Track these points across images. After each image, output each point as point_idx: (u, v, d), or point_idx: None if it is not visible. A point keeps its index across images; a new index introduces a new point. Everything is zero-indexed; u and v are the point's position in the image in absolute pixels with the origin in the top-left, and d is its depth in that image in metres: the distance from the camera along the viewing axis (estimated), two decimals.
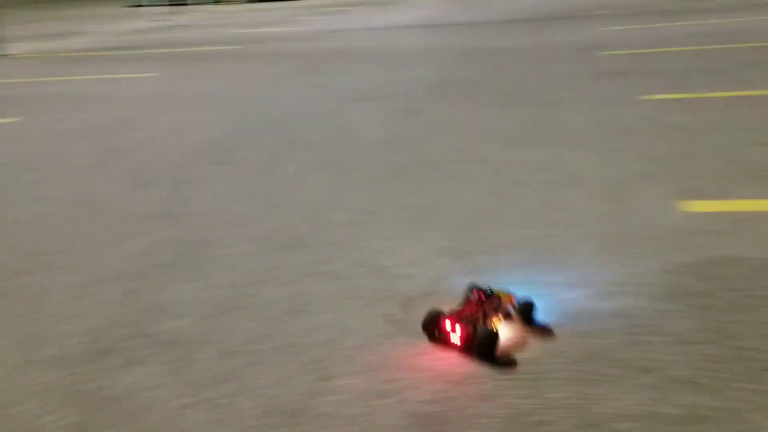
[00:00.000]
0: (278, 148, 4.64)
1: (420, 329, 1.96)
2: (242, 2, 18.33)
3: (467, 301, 1.99)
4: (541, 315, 2.03)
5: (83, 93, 7.28)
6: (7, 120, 6.10)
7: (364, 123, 5.22)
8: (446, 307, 1.96)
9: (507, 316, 1.95)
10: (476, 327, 1.84)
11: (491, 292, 2.00)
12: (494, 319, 1.90)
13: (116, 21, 15.63)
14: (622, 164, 3.73)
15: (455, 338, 1.85)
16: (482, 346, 1.80)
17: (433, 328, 1.93)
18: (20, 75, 8.91)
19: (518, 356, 1.84)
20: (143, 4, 17.72)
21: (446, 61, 7.92)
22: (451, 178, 3.74)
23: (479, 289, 2.00)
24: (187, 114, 5.93)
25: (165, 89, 7.17)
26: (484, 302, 1.95)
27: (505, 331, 1.90)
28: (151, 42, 11.54)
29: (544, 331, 1.95)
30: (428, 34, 10.57)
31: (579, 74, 6.56)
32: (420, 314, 1.99)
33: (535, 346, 1.89)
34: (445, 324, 1.88)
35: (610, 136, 4.39)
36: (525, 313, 1.99)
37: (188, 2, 18.44)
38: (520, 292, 2.08)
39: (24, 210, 3.73)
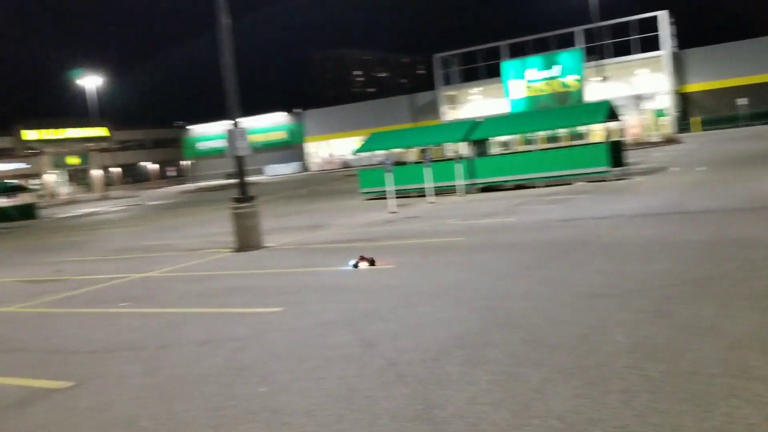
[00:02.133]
0: (518, 348, 4.77)
1: None
2: (463, 194, 19.66)
3: None
4: None
5: (332, 283, 8.21)
6: (272, 309, 7.04)
7: (605, 323, 5.17)
8: None
9: None
10: None
11: None
12: None
13: (357, 214, 17.63)
14: None
15: None
16: None
17: None
18: (279, 266, 10.32)
19: None
20: (381, 196, 19.85)
21: (684, 253, 7.66)
22: (727, 396, 3.51)
23: None
24: (426, 307, 6.38)
25: (401, 281, 7.82)
26: None
27: None
28: (385, 233, 12.78)
29: None
30: (660, 223, 10.37)
31: None
32: None
33: None
34: None
35: None
36: None
37: (411, 194, 20.26)
38: None
39: (292, 401, 4.21)
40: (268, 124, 67.13)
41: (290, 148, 67.70)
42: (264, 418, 3.98)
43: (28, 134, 63.74)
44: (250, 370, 4.98)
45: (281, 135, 68.05)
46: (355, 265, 9.11)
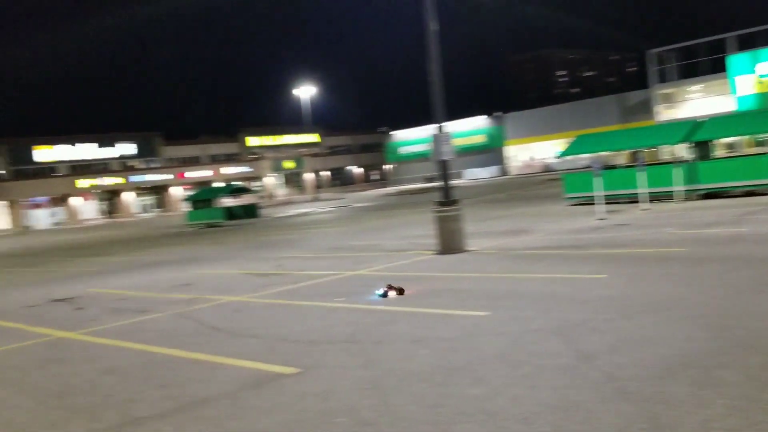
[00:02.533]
0: (759, 372, 4.31)
1: None
2: (682, 200, 18.17)
3: None
4: None
5: (538, 290, 8.07)
6: (479, 313, 7.09)
7: None
8: None
9: None
10: None
11: None
12: None
13: (562, 219, 17.12)
14: None
15: None
16: None
17: None
18: (482, 270, 10.37)
19: None
20: (587, 202, 19.08)
21: None
22: None
23: None
24: (645, 321, 6.01)
25: (616, 292, 7.44)
26: None
27: None
28: (594, 241, 12.24)
29: None
30: None
31: None
32: None
33: None
34: None
35: None
36: None
37: (621, 200, 19.14)
38: None
39: (506, 406, 4.21)
40: (468, 128, 67.72)
41: (489, 152, 67.68)
42: (480, 420, 4.04)
43: (251, 140, 70.91)
44: (461, 371, 5.07)
45: (481, 139, 68.28)
46: (384, 294, 8.75)
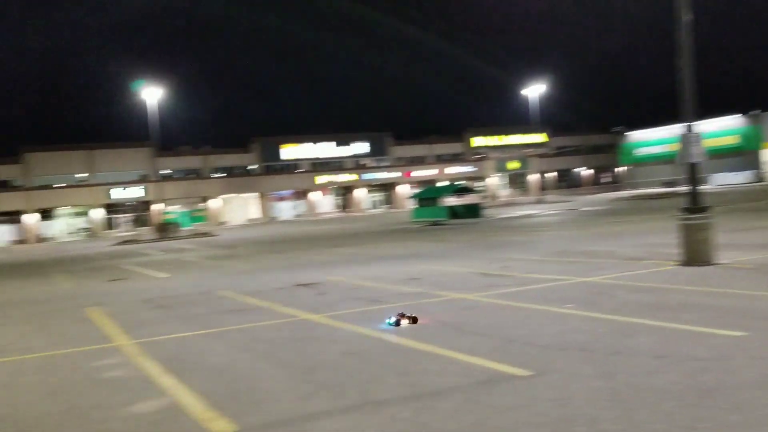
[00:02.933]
0: None
1: None
2: None
3: None
4: None
5: None
6: (733, 333, 6.44)
7: None
8: None
9: None
10: None
11: None
12: None
13: None
14: None
15: None
16: None
17: None
18: (734, 286, 9.39)
19: None
20: None
21: None
22: None
23: None
24: None
25: None
26: None
27: None
28: None
29: None
30: None
31: None
32: None
33: None
34: None
35: None
36: None
37: None
38: None
39: None
40: (719, 128, 61.42)
41: (743, 155, 60.78)
42: None
43: (476, 141, 71.60)
44: (715, 394, 4.66)
45: (733, 140, 61.53)
46: (397, 323, 8.04)
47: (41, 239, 55.25)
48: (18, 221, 55.62)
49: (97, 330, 9.57)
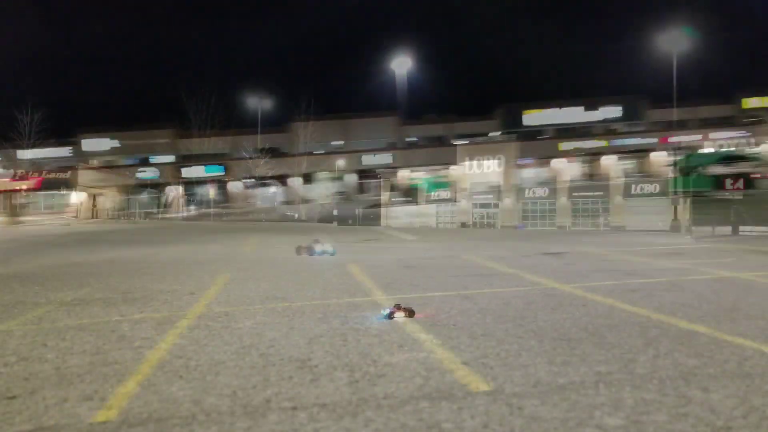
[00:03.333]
0: None
1: None
2: None
3: None
4: None
5: None
6: None
7: None
8: None
9: None
10: None
11: None
12: None
13: None
14: None
15: None
16: None
17: None
18: None
19: None
20: None
21: None
22: None
23: None
24: None
25: None
26: None
27: None
28: None
29: None
30: None
31: None
32: None
33: None
34: None
35: None
36: None
37: None
38: None
39: None
40: None
41: None
42: None
43: (750, 102, 63.56)
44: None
45: None
46: (390, 316, 7.24)
47: (305, 201, 61.51)
48: (285, 184, 62.59)
49: (357, 285, 10.45)
